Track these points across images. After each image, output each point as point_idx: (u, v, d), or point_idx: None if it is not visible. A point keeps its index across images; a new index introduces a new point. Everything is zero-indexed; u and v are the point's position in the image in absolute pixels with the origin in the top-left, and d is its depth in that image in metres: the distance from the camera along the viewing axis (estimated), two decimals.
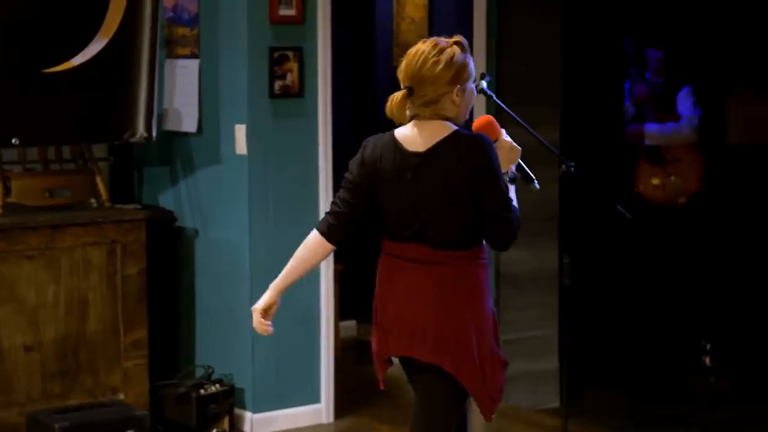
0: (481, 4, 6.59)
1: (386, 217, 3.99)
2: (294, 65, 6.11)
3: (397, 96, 3.91)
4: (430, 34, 6.80)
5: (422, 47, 3.90)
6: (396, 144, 3.95)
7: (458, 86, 3.87)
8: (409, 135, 3.94)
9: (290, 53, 6.10)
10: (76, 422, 5.60)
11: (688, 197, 7.56)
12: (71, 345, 5.88)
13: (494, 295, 6.30)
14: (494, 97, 4.56)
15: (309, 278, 6.27)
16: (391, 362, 4.16)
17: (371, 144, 4.01)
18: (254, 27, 6.02)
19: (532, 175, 4.09)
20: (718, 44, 7.45)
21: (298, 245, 6.19)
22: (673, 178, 7.66)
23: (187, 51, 6.35)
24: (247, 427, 6.19)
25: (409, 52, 3.93)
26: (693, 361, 7.41)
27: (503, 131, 4.00)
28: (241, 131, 6.10)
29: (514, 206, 3.87)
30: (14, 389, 5.77)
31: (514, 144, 3.99)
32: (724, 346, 7.39)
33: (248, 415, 6.19)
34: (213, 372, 6.22)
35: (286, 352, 6.23)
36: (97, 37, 5.92)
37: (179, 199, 6.51)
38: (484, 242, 3.92)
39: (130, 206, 6.22)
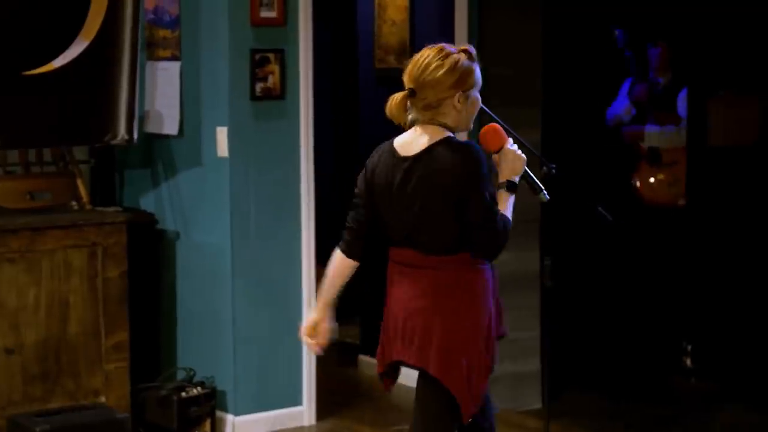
0: (462, 7, 6.60)
1: (384, 222, 4.03)
2: (275, 67, 6.11)
3: (397, 96, 3.95)
4: (412, 37, 6.87)
5: (428, 51, 3.94)
6: (392, 149, 4.01)
7: (460, 92, 3.90)
8: (406, 140, 3.99)
9: (271, 55, 6.10)
10: (58, 425, 5.59)
11: (687, 199, 7.60)
12: (52, 348, 5.86)
13: None
14: None
15: (291, 281, 6.28)
16: (396, 368, 4.12)
17: (375, 152, 4.10)
18: (235, 29, 6.02)
19: (540, 185, 4.06)
20: (698, 46, 7.47)
21: (279, 247, 6.26)
22: (671, 180, 7.70)
23: (168, 53, 6.34)
24: (228, 429, 6.18)
25: (414, 55, 3.98)
26: (674, 363, 7.43)
27: (510, 140, 4.00)
28: (222, 134, 6.09)
29: (501, 217, 3.87)
30: None
31: (519, 153, 3.98)
32: (704, 347, 7.40)
33: (230, 418, 6.18)
34: (194, 374, 6.21)
35: (267, 354, 6.22)
36: (77, 39, 5.91)
37: (160, 201, 6.50)
38: None
39: (111, 209, 6.21)
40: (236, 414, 6.18)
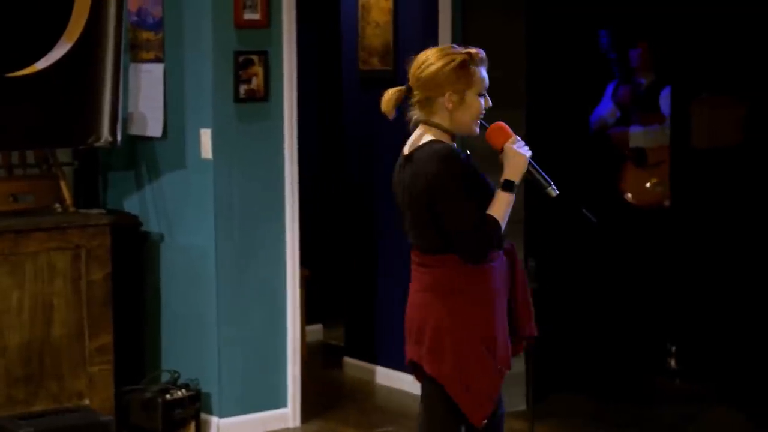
0: (446, 9, 6.61)
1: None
2: (259, 69, 6.11)
3: (391, 90, 4.01)
4: (395, 39, 6.87)
5: (430, 50, 3.98)
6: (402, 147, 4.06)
7: (451, 92, 3.90)
8: (410, 139, 4.04)
9: (255, 57, 6.09)
10: (41, 428, 5.58)
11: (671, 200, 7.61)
12: (36, 350, 5.84)
13: None
14: None
15: (275, 283, 6.28)
16: (418, 366, 4.08)
17: None
18: (219, 31, 6.02)
19: (547, 180, 3.96)
20: (681, 48, 7.49)
21: (263, 249, 6.26)
22: (656, 181, 7.71)
23: (151, 55, 6.33)
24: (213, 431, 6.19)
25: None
26: (658, 364, 7.44)
27: (513, 138, 3.96)
28: (206, 135, 6.09)
29: (479, 220, 3.84)
30: None
31: (521, 150, 3.93)
32: (689, 348, 7.42)
33: (214, 420, 6.17)
34: (179, 377, 6.20)
35: (252, 356, 6.22)
36: (60, 42, 5.90)
37: (144, 203, 6.49)
38: None
39: (95, 211, 6.20)
40: (221, 416, 6.17)
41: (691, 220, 7.51)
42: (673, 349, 7.44)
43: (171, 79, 6.26)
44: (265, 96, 6.15)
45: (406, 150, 4.01)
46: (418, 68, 3.95)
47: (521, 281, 4.06)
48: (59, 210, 6.08)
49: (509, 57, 6.57)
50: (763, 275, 7.16)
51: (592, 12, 7.56)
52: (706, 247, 7.43)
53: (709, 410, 6.71)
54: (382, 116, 7.45)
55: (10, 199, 5.95)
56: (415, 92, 3.96)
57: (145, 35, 6.35)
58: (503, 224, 3.88)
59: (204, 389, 6.18)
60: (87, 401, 5.97)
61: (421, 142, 3.94)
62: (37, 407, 5.83)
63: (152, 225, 6.45)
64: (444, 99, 3.92)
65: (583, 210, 4.53)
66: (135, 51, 6.41)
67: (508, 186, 3.89)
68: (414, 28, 6.78)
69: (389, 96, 4.00)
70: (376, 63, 7.00)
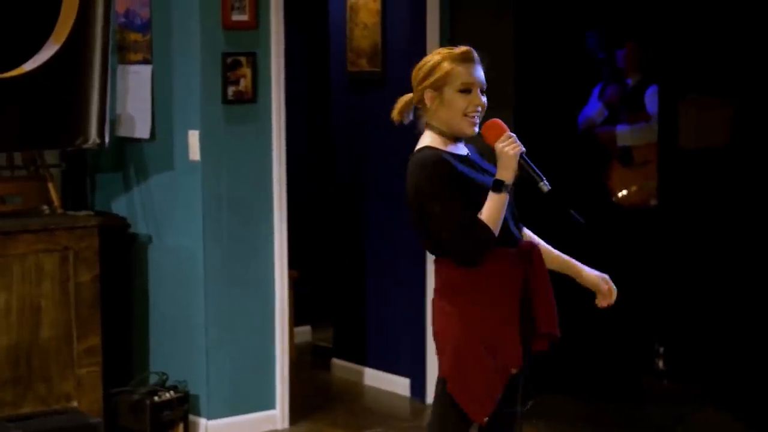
0: (434, 10, 6.61)
1: None
2: (247, 71, 6.10)
3: (403, 97, 4.06)
4: (384, 41, 6.87)
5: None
6: None
7: (429, 90, 3.93)
8: None
9: (243, 59, 6.09)
10: (29, 430, 5.57)
11: (658, 200, 7.62)
12: (24, 352, 5.83)
13: None
14: None
15: (263, 284, 6.27)
16: None
17: None
18: (207, 32, 6.01)
19: (538, 175, 3.90)
20: (669, 48, 7.50)
21: (251, 251, 6.26)
22: (642, 183, 7.71)
23: (139, 57, 6.33)
24: None
25: None
26: (646, 365, 7.45)
27: (503, 136, 3.90)
28: (194, 137, 6.08)
29: (462, 222, 3.83)
30: None
31: (507, 148, 3.87)
32: (677, 349, 7.43)
33: (203, 422, 6.17)
34: (167, 379, 6.19)
35: (240, 358, 6.21)
36: (48, 43, 5.89)
37: (132, 205, 6.48)
38: None
39: (83, 213, 6.19)
40: (209, 418, 6.16)
41: (679, 220, 7.52)
42: (661, 349, 7.45)
43: (159, 81, 6.25)
44: (254, 97, 6.15)
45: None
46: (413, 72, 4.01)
47: (540, 280, 4.02)
48: (47, 212, 6.07)
49: (497, 57, 6.54)
50: (751, 275, 7.17)
51: (580, 12, 7.57)
52: (694, 248, 7.44)
53: (697, 411, 6.72)
54: (371, 117, 7.52)
55: None
56: (414, 95, 4.01)
57: (133, 37, 6.35)
58: (495, 225, 3.85)
59: (192, 391, 6.17)
60: (75, 403, 5.96)
61: (417, 147, 3.97)
62: (25, 409, 5.82)
63: (140, 226, 6.44)
64: (425, 98, 3.95)
65: (571, 211, 4.53)
66: (123, 52, 6.40)
67: (497, 186, 3.86)
68: (402, 30, 6.78)
69: (399, 102, 4.04)
70: (364, 64, 7.00)
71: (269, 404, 6.34)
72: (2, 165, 6.09)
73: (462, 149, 4.00)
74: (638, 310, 7.64)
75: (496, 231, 3.86)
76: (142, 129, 6.33)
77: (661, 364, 7.44)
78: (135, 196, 6.46)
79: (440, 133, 3.96)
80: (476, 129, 3.96)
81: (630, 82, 7.93)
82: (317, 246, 8.27)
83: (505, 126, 3.93)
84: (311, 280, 8.14)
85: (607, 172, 7.88)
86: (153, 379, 6.26)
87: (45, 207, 6.08)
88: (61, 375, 5.93)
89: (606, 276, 4.27)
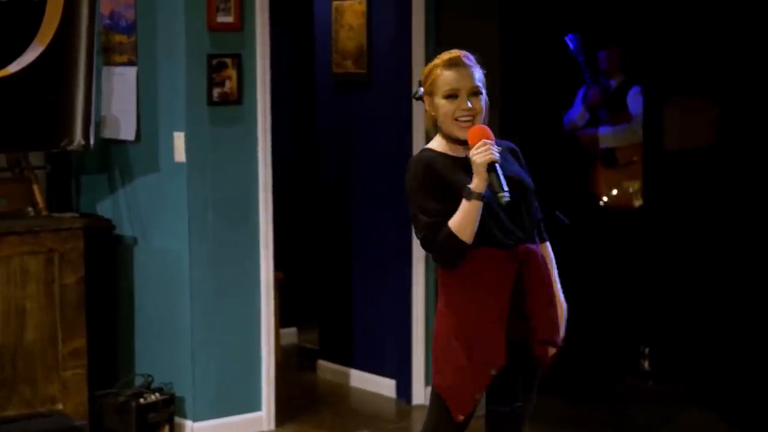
0: (419, 12, 6.61)
1: None
2: (233, 72, 6.10)
3: None
4: (369, 42, 6.87)
5: None
6: None
7: (425, 95, 4.02)
8: None
9: (229, 60, 6.08)
10: None
11: (643, 201, 7.63)
12: (8, 355, 5.82)
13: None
14: None
15: (249, 286, 6.27)
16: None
17: None
18: (192, 34, 6.00)
19: (502, 185, 3.81)
20: (653, 50, 7.51)
21: (237, 252, 6.25)
22: (626, 184, 7.72)
23: (124, 58, 6.32)
24: None
25: None
26: (631, 366, 7.46)
27: (477, 144, 3.86)
28: (179, 139, 6.08)
29: (427, 228, 3.87)
30: None
31: (475, 157, 3.84)
32: (662, 350, 7.44)
33: (189, 424, 6.16)
34: (153, 381, 6.18)
35: (226, 360, 6.21)
36: (33, 45, 5.87)
37: (118, 207, 6.47)
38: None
39: (68, 215, 6.17)
40: (195, 420, 6.16)
41: (664, 221, 7.53)
42: (647, 350, 7.47)
43: (144, 83, 6.24)
44: (239, 99, 6.15)
45: None
46: None
47: (536, 285, 4.02)
48: (32, 214, 6.05)
49: (483, 59, 6.56)
50: (736, 276, 7.19)
51: (565, 14, 7.59)
52: (678, 249, 7.45)
53: (682, 411, 6.74)
54: (356, 119, 7.52)
55: None
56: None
57: (118, 38, 6.34)
58: (463, 231, 3.84)
59: (178, 393, 6.16)
60: (60, 406, 5.94)
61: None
62: (10, 412, 5.80)
63: (126, 228, 6.43)
64: (427, 104, 4.03)
65: (557, 212, 4.54)
66: (108, 54, 6.39)
67: (466, 194, 3.86)
68: (388, 32, 6.78)
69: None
70: (349, 66, 7.00)
71: (255, 406, 6.33)
72: None
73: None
74: (623, 310, 7.66)
75: (466, 237, 3.85)
76: (127, 131, 6.32)
77: (646, 365, 7.45)
78: (120, 198, 6.45)
79: (444, 136, 4.01)
80: None
81: (613, 83, 7.94)
82: (303, 248, 8.27)
83: (486, 133, 3.90)
84: (297, 282, 8.14)
85: (592, 173, 7.89)
86: (138, 381, 6.25)
87: (30, 209, 6.07)
88: (46, 377, 5.92)
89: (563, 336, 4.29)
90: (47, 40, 5.90)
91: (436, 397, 4.04)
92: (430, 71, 4.00)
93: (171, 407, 6.08)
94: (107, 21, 6.38)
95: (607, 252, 7.77)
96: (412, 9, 6.62)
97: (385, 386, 6.97)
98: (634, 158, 7.71)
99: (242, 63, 6.13)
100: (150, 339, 6.37)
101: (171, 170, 6.14)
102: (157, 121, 6.20)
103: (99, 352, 6.27)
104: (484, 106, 4.02)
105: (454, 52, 4.02)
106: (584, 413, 6.73)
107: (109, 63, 6.39)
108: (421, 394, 6.75)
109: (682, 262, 7.43)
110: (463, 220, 3.85)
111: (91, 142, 6.06)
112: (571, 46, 7.90)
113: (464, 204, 3.85)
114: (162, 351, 6.29)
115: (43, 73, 5.90)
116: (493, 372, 3.97)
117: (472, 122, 3.96)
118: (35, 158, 6.28)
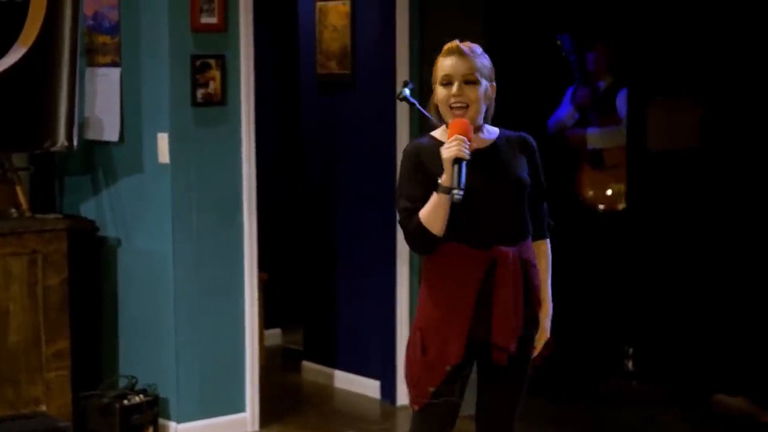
0: (403, 12, 6.62)
1: None
2: (216, 73, 6.09)
3: None
4: (353, 43, 6.87)
5: None
6: None
7: (433, 84, 4.05)
8: None
9: (212, 61, 6.08)
10: None
11: (627, 202, 7.64)
12: None
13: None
14: (417, 105, 4.63)
15: (233, 287, 6.26)
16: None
17: None
18: (176, 35, 6.00)
19: (458, 183, 3.84)
20: (638, 50, 7.52)
21: (221, 253, 6.24)
22: (613, 185, 7.73)
23: (108, 59, 6.31)
24: None
25: None
26: (615, 366, 7.47)
27: (449, 140, 3.88)
28: (163, 140, 6.07)
29: (405, 216, 3.93)
30: None
31: (444, 150, 3.85)
32: (646, 350, 7.45)
33: (173, 425, 6.15)
34: (136, 382, 6.18)
35: (210, 361, 6.20)
36: (15, 46, 5.86)
37: (101, 208, 6.46)
38: (452, 240, 3.94)
39: (51, 216, 6.16)
40: (179, 421, 6.15)
41: (647, 222, 7.54)
42: (631, 351, 7.48)
43: (128, 84, 6.23)
44: (223, 100, 6.14)
45: None
46: None
47: (502, 291, 3.97)
48: (15, 215, 6.04)
49: None
50: (720, 277, 7.20)
51: (549, 14, 7.59)
52: (662, 250, 7.46)
53: (665, 412, 6.75)
54: (341, 119, 7.51)
55: None
56: None
57: (102, 39, 6.33)
58: (431, 222, 3.87)
59: (162, 394, 6.15)
60: (44, 407, 5.93)
61: None
62: None
63: (109, 229, 6.42)
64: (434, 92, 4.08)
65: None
66: (91, 55, 6.38)
67: (437, 186, 3.89)
68: (372, 32, 6.78)
69: None
70: (334, 67, 7.00)
71: (239, 407, 6.33)
72: None
73: (479, 139, 4.01)
74: (608, 311, 7.66)
75: (436, 230, 3.89)
76: (110, 132, 6.31)
77: (630, 365, 7.46)
78: (104, 199, 6.44)
79: (446, 123, 4.04)
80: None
81: (602, 85, 7.95)
82: (287, 248, 8.26)
83: (464, 128, 3.91)
84: (281, 283, 8.13)
85: (578, 174, 7.90)
86: (122, 383, 6.24)
87: (13, 210, 6.06)
88: (30, 379, 5.91)
89: (548, 336, 4.39)
90: (30, 41, 5.89)
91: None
92: (435, 60, 4.05)
93: (155, 408, 6.07)
94: (91, 22, 6.37)
95: (591, 253, 7.78)
96: (396, 10, 6.62)
97: (369, 387, 6.97)
98: (621, 160, 7.71)
99: (226, 64, 6.12)
100: (134, 340, 6.36)
101: (155, 171, 6.13)
102: (140, 122, 6.19)
103: (83, 354, 6.25)
104: (481, 96, 3.99)
105: (455, 42, 4.04)
106: (568, 413, 6.74)
107: (92, 64, 6.38)
108: (405, 395, 6.75)
109: (666, 263, 7.45)
110: (432, 211, 3.89)
111: (75, 143, 6.05)
112: (565, 45, 7.90)
113: (434, 196, 3.89)
114: (146, 352, 6.28)
115: (26, 74, 5.89)
116: (448, 368, 3.99)
117: (467, 110, 3.97)
118: (18, 159, 6.27)
